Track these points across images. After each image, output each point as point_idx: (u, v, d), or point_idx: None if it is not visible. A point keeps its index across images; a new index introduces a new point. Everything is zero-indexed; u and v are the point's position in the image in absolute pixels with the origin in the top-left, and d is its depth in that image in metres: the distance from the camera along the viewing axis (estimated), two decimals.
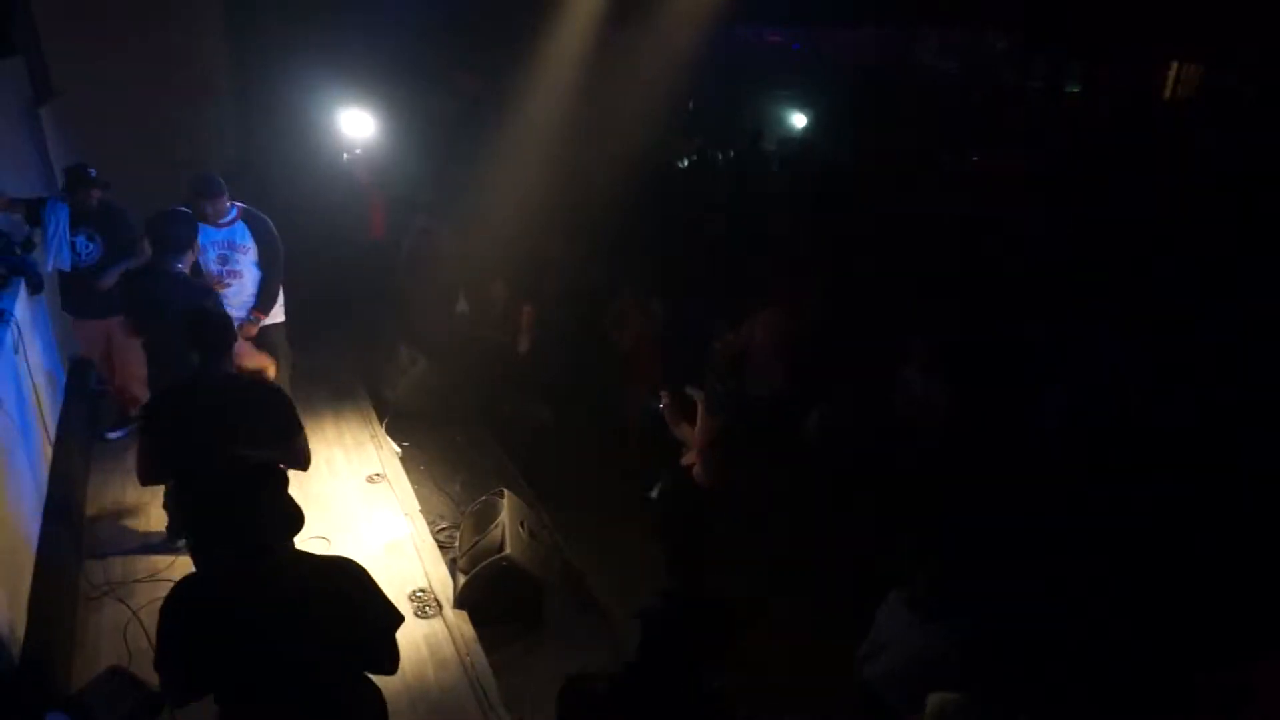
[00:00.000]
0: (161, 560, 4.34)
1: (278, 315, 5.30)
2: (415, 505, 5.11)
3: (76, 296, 5.31)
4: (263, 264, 5.07)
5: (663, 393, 4.87)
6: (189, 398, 3.39)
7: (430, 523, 5.06)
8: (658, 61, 9.66)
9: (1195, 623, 4.47)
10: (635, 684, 2.27)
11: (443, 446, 6.14)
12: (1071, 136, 9.79)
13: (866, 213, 9.25)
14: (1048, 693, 3.87)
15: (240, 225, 5.00)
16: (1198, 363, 5.59)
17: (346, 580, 2.38)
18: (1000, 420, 6.61)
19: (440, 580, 4.49)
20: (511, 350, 6.24)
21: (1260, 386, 5.58)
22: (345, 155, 8.48)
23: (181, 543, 4.30)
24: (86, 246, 5.12)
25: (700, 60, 9.85)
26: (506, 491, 4.81)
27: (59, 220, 5.00)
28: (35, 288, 4.99)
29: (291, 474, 2.54)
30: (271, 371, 4.71)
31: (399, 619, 2.46)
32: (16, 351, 4.44)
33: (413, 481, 5.41)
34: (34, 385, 4.75)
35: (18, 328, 4.45)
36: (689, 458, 4.41)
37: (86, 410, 5.78)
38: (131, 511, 4.80)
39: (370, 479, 5.30)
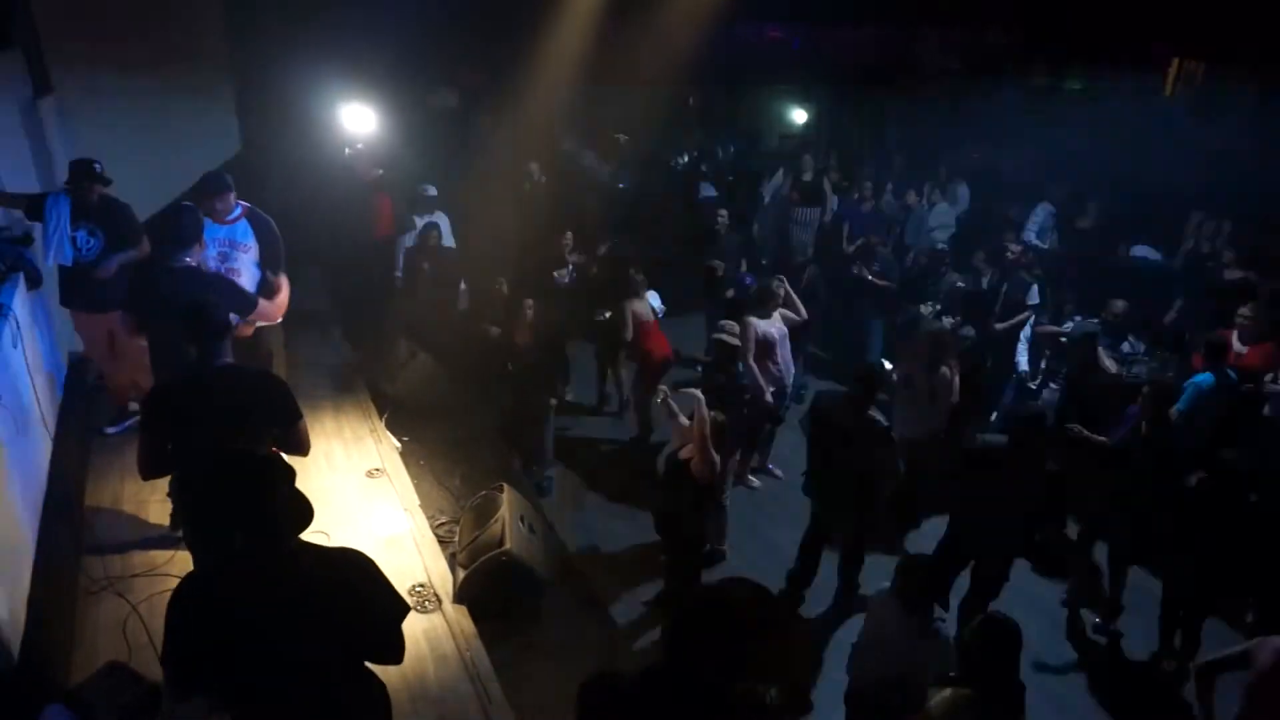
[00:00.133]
0: (161, 555, 4.33)
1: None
2: (415, 500, 5.10)
3: (76, 291, 5.31)
4: (263, 264, 5.05)
5: (661, 388, 4.89)
6: (188, 391, 3.39)
7: (430, 517, 5.06)
8: (658, 59, 9.65)
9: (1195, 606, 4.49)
10: (662, 684, 2.25)
11: (442, 441, 6.14)
12: (1071, 134, 9.79)
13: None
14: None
15: (244, 224, 4.98)
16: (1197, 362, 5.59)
17: (353, 571, 2.38)
18: (1003, 419, 6.62)
19: (440, 575, 4.49)
20: (512, 345, 6.20)
21: (1260, 384, 5.59)
22: (347, 150, 8.48)
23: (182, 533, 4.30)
24: (88, 242, 5.11)
25: (700, 57, 9.84)
26: (506, 486, 4.81)
27: (60, 215, 4.99)
28: (34, 283, 4.99)
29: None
30: (284, 295, 4.81)
31: (406, 609, 2.47)
32: (15, 346, 4.44)
33: (412, 476, 5.40)
34: (33, 380, 4.74)
35: (16, 323, 4.45)
36: (686, 451, 4.41)
37: (85, 405, 5.77)
38: (130, 506, 4.79)
39: (370, 473, 5.29)
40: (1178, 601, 4.52)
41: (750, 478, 6.15)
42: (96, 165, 5.09)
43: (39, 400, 4.82)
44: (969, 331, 7.06)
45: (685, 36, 9.57)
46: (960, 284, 7.48)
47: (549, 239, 7.28)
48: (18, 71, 5.84)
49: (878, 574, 4.12)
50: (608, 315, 6.59)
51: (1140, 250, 8.38)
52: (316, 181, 7.99)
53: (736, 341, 5.35)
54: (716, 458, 4.33)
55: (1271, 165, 7.52)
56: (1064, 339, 6.55)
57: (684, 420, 4.55)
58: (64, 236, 5.01)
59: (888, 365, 6.74)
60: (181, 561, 4.15)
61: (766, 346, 5.75)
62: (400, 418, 6.15)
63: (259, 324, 5.07)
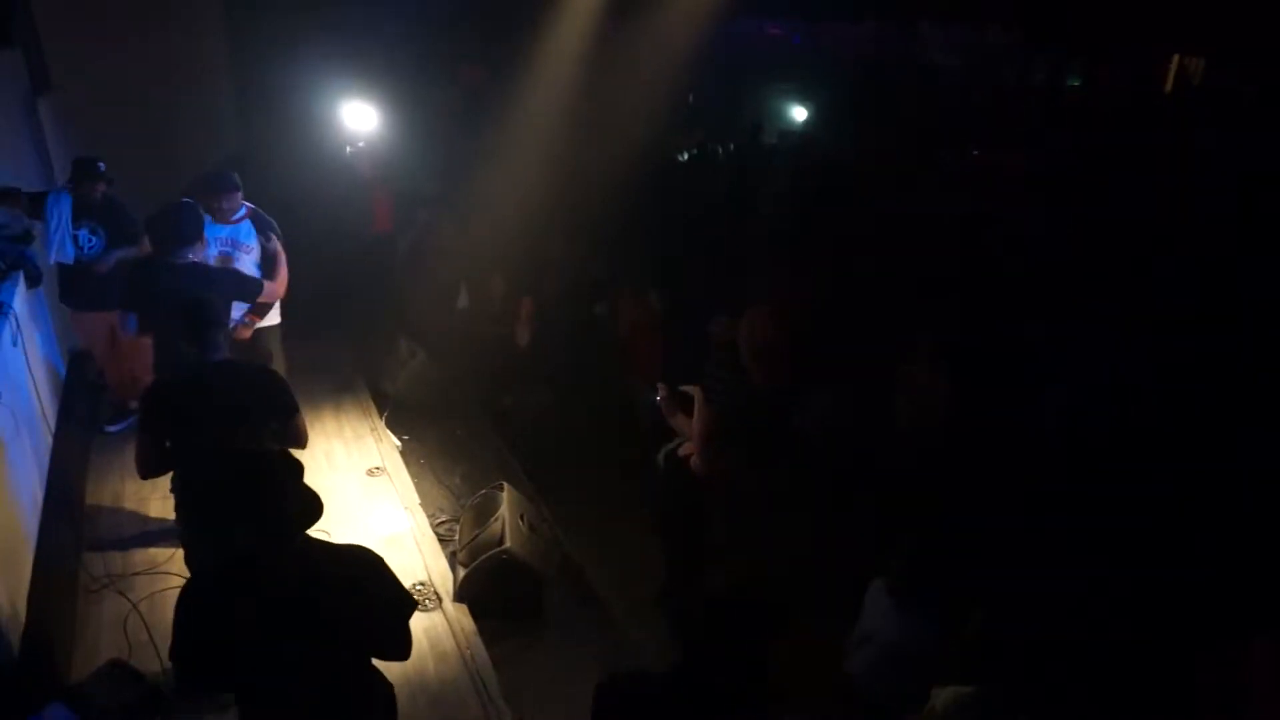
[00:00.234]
0: (162, 553, 4.33)
1: (273, 318, 5.28)
2: (415, 498, 5.11)
3: (77, 289, 5.31)
4: (264, 266, 5.04)
5: (660, 385, 4.87)
6: (186, 388, 3.39)
7: (430, 516, 5.06)
8: (658, 55, 9.64)
9: (1192, 607, 4.49)
10: (681, 686, 2.25)
11: (443, 440, 6.14)
12: (1072, 133, 9.79)
13: (866, 209, 9.24)
14: (1048, 686, 3.88)
15: (247, 225, 4.97)
16: (1198, 362, 5.59)
17: (361, 568, 2.39)
18: (1002, 418, 6.61)
19: (440, 573, 4.50)
20: (511, 343, 6.24)
21: (1261, 385, 5.58)
22: (348, 149, 8.46)
23: None
24: (89, 240, 5.12)
25: (700, 54, 9.83)
26: (506, 485, 4.82)
27: (62, 213, 5.00)
28: (34, 281, 4.99)
29: None
30: (284, 271, 4.84)
31: (413, 605, 2.49)
32: (15, 344, 4.44)
33: (412, 475, 5.41)
34: (33, 378, 4.75)
35: (16, 321, 4.45)
36: (686, 449, 4.41)
37: (86, 403, 5.78)
38: (131, 504, 4.80)
39: (370, 472, 5.30)
40: None
41: None
42: (99, 164, 5.10)
43: (39, 398, 4.83)
44: None
45: (685, 33, 9.56)
46: None
47: (568, 244, 7.27)
48: (17, 69, 5.84)
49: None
50: (602, 306, 6.58)
51: None
52: (316, 179, 7.98)
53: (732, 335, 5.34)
54: (716, 454, 4.32)
55: None
56: None
57: (682, 418, 4.54)
58: (66, 235, 5.02)
59: None
60: (183, 560, 4.15)
61: None
62: (400, 416, 6.15)
63: (257, 326, 5.07)
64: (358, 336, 7.14)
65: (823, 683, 4.29)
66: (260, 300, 4.68)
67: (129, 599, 4.03)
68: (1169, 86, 11.07)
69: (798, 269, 7.32)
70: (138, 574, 4.22)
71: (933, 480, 5.49)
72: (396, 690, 2.65)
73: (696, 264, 7.42)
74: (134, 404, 5.29)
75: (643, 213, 9.36)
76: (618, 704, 2.33)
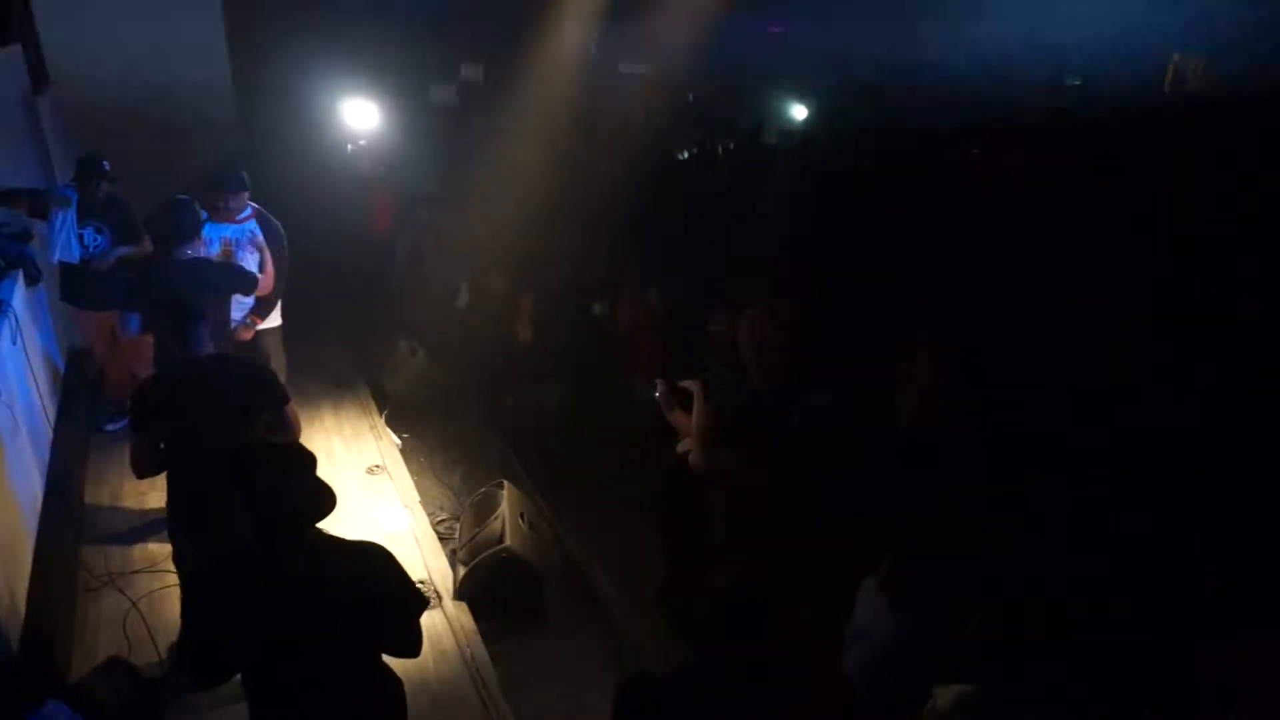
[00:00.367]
0: (161, 551, 4.32)
1: (274, 319, 5.28)
2: (415, 497, 5.11)
3: (79, 288, 5.30)
4: (267, 266, 5.03)
5: (658, 381, 4.85)
6: (175, 384, 3.39)
7: (430, 514, 5.06)
8: (659, 53, 9.64)
9: (1192, 607, 4.48)
10: (703, 687, 2.25)
11: (443, 438, 6.14)
12: (1072, 131, 9.76)
13: (866, 207, 9.23)
14: (1049, 685, 3.88)
15: (252, 224, 4.97)
16: (1198, 362, 5.58)
17: (370, 562, 2.39)
18: (1002, 417, 6.60)
19: (440, 572, 4.50)
20: (512, 342, 6.23)
21: (1261, 385, 5.57)
22: (349, 147, 8.46)
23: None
24: (94, 239, 5.10)
25: (701, 51, 9.83)
26: (506, 483, 4.82)
27: (66, 212, 4.98)
28: (33, 279, 4.99)
29: None
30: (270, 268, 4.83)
31: (424, 603, 2.50)
32: (15, 342, 4.44)
33: (412, 473, 5.41)
34: (33, 376, 4.74)
35: (16, 319, 4.45)
36: (684, 445, 4.40)
37: (85, 401, 5.78)
38: (130, 502, 4.80)
39: (370, 470, 5.30)
40: None
41: None
42: (103, 163, 5.08)
43: (39, 396, 4.82)
44: None
45: (686, 32, 9.56)
46: None
47: (569, 242, 7.25)
48: (16, 67, 5.83)
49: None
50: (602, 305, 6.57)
51: None
52: (317, 178, 7.98)
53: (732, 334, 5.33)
54: (715, 452, 4.32)
55: None
56: None
57: (681, 414, 4.52)
58: (71, 234, 5.00)
59: None
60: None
61: None
62: (400, 415, 6.15)
63: (259, 327, 5.07)
64: (357, 335, 7.14)
65: (821, 682, 4.30)
66: (253, 294, 4.67)
67: (128, 597, 4.03)
68: (1167, 86, 11.06)
69: (797, 268, 7.31)
70: (137, 572, 4.23)
71: (931, 479, 5.49)
72: None
73: (696, 262, 7.41)
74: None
75: (643, 211, 9.35)
76: (638, 708, 2.32)
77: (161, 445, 3.37)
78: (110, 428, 5.49)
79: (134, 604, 3.99)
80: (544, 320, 6.07)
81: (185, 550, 3.54)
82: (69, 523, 4.50)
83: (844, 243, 8.73)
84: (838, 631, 4.15)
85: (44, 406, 4.97)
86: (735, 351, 5.41)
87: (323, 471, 2.42)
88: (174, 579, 4.06)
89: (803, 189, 9.40)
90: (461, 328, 6.97)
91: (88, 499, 4.86)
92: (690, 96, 13.37)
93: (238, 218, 4.92)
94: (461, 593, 4.35)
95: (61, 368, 5.93)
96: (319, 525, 2.36)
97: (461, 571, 4.41)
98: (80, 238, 5.06)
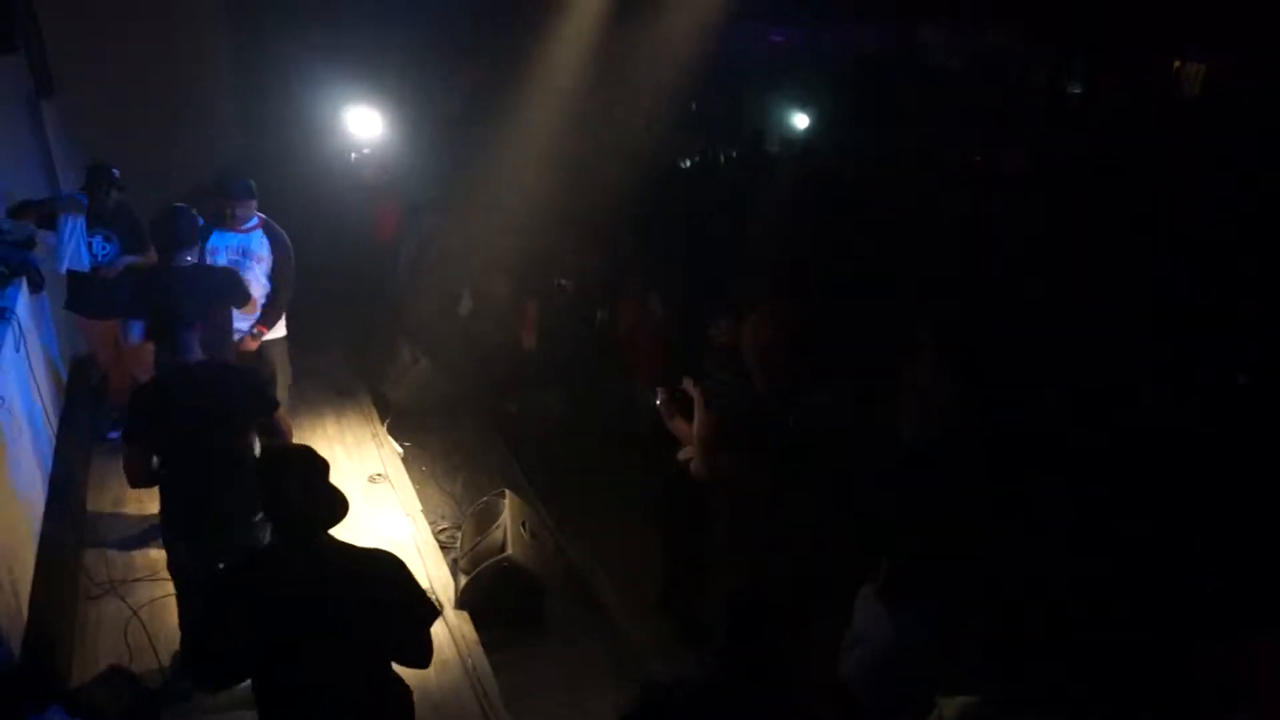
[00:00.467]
0: (162, 558, 4.28)
1: (279, 330, 5.27)
2: (417, 505, 5.11)
3: (85, 296, 5.29)
4: (274, 277, 5.01)
5: (660, 389, 4.85)
6: (162, 392, 3.40)
7: (432, 523, 5.06)
8: (661, 60, 9.65)
9: (1193, 605, 4.46)
10: (706, 692, 2.25)
11: (445, 446, 6.13)
12: (1073, 135, 9.77)
13: (867, 210, 9.22)
14: (1050, 689, 3.87)
15: (259, 234, 4.95)
16: (1198, 362, 5.57)
17: (383, 569, 2.40)
18: (1004, 419, 6.58)
19: (442, 581, 4.49)
20: (515, 348, 6.23)
21: (1262, 385, 5.56)
22: (353, 155, 8.46)
23: None
24: (103, 247, 5.10)
25: (703, 59, 9.84)
26: (508, 492, 4.81)
27: (76, 222, 4.98)
28: (36, 286, 4.99)
29: None
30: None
31: (435, 613, 2.51)
32: (18, 350, 4.45)
33: (414, 481, 5.40)
34: (35, 383, 4.75)
35: (19, 326, 4.46)
36: (686, 453, 4.39)
37: (88, 408, 5.78)
38: (132, 509, 4.79)
39: (372, 479, 5.29)
40: None
41: None
42: (114, 171, 5.09)
43: (42, 403, 4.83)
44: None
45: (687, 39, 9.56)
46: None
47: (572, 248, 7.24)
48: (20, 74, 5.85)
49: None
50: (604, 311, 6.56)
51: None
52: (320, 185, 7.99)
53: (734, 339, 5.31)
54: (716, 458, 4.31)
55: None
56: None
57: (682, 422, 4.52)
58: (80, 242, 4.99)
59: None
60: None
61: None
62: (402, 423, 6.15)
63: (264, 338, 5.06)
64: (360, 343, 7.14)
65: (822, 684, 4.28)
66: (244, 307, 4.66)
67: (129, 605, 4.03)
68: (1171, 91, 11.07)
69: (798, 270, 7.30)
70: (138, 579, 4.23)
71: (931, 481, 5.47)
72: None
73: (697, 267, 7.40)
74: None
75: (644, 217, 9.35)
76: (642, 715, 2.32)
77: (153, 452, 3.38)
78: (113, 435, 5.49)
79: (135, 612, 3.98)
80: (547, 327, 6.07)
81: (181, 558, 3.55)
82: (71, 528, 4.51)
83: (845, 245, 8.73)
84: (838, 634, 4.14)
85: (47, 413, 4.97)
86: (737, 356, 5.40)
87: None
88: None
89: (804, 195, 9.40)
90: (464, 335, 6.97)
91: (90, 505, 4.86)
92: (693, 105, 13.40)
93: (244, 227, 4.90)
94: (463, 602, 4.34)
95: (65, 375, 5.94)
96: (330, 532, 2.36)
97: (463, 580, 4.40)
98: (89, 246, 5.06)
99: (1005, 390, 6.85)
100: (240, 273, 4.85)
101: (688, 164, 11.57)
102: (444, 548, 4.81)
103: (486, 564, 4.34)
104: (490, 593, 4.34)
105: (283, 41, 8.15)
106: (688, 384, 4.44)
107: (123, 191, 5.14)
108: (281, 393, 5.25)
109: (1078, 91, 11.66)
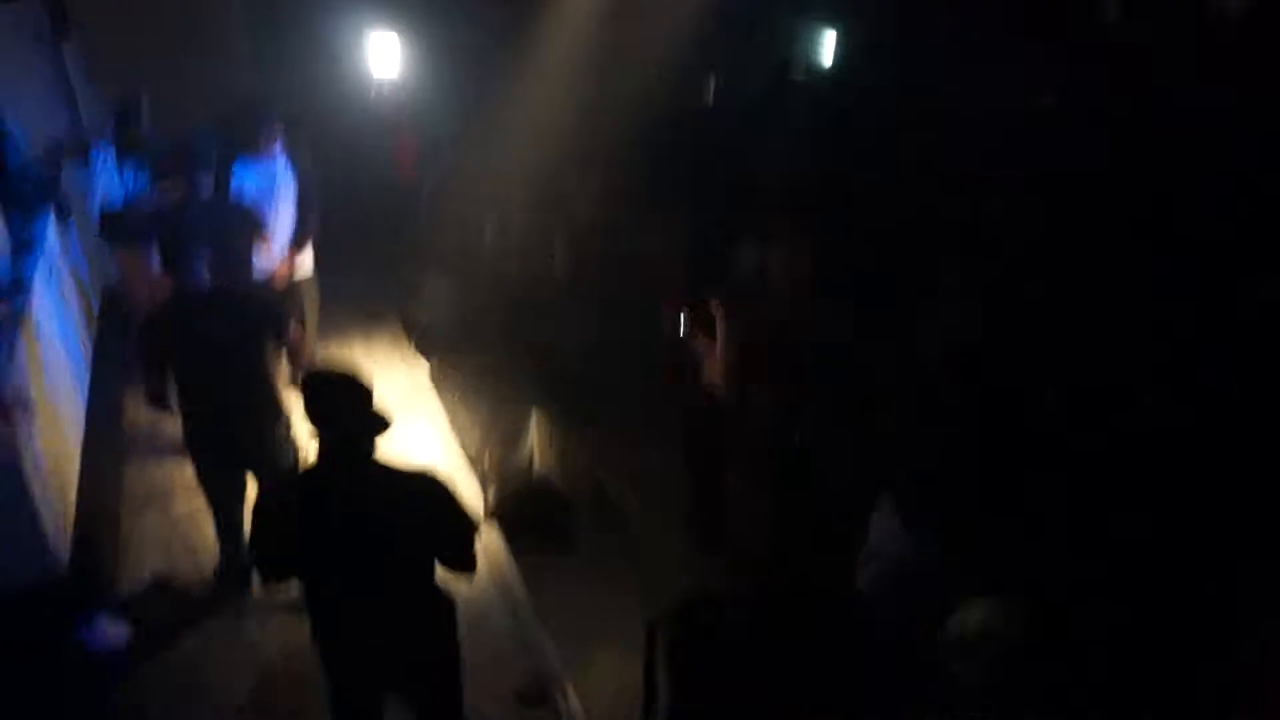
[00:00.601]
0: None
1: (306, 268, 5.27)
2: (445, 424, 5.17)
3: (116, 226, 5.31)
4: (300, 203, 5.02)
5: (683, 308, 4.81)
6: (170, 320, 3.48)
7: (460, 441, 5.12)
8: None
9: (1193, 609, 4.44)
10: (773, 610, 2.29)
11: (473, 367, 6.13)
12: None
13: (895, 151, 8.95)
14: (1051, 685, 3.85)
15: (283, 161, 4.95)
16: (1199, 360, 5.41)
17: (430, 486, 2.48)
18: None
19: (471, 498, 4.57)
20: (542, 274, 6.20)
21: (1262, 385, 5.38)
22: (372, 91, 8.39)
23: None
24: (134, 179, 5.10)
25: None
26: (536, 410, 4.84)
27: (106, 160, 5.00)
28: (65, 213, 5.04)
29: None
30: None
31: (476, 527, 2.59)
32: (50, 277, 4.52)
33: (442, 401, 5.45)
34: (68, 307, 4.83)
35: (50, 255, 4.52)
36: (709, 373, 4.38)
37: (121, 335, 5.87)
38: (169, 426, 4.88)
39: (400, 399, 5.36)
40: None
41: None
42: (142, 100, 5.08)
43: (76, 329, 4.92)
44: None
45: None
46: None
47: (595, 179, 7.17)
48: (39, 16, 5.87)
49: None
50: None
51: None
52: (340, 118, 7.95)
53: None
54: (739, 377, 4.29)
55: None
56: None
57: (706, 341, 4.48)
58: (112, 178, 5.01)
59: None
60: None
61: None
62: (430, 344, 6.18)
63: (296, 278, 5.08)
64: (387, 267, 7.14)
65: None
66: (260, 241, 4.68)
67: (170, 515, 4.14)
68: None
69: (823, 196, 7.17)
70: (178, 491, 4.33)
71: (952, 407, 5.41)
72: None
73: (722, 190, 7.29)
74: None
75: (668, 149, 9.21)
76: (696, 627, 2.36)
77: (167, 372, 3.48)
78: None
79: (176, 522, 4.10)
80: (573, 252, 6.04)
81: (208, 476, 3.67)
82: (111, 443, 4.62)
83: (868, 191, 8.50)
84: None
85: (81, 337, 5.06)
86: (762, 280, 5.35)
87: None
88: None
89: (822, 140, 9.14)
90: (489, 263, 6.96)
91: (127, 425, 4.97)
92: (714, 35, 13.04)
93: (269, 155, 4.88)
94: (492, 517, 4.42)
95: (96, 303, 6.03)
96: (374, 451, 2.43)
97: (492, 497, 4.47)
98: (120, 176, 5.07)
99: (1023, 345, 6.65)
100: (263, 203, 4.88)
101: (711, 90, 11.27)
102: (473, 464, 4.87)
103: (515, 480, 4.41)
104: (518, 509, 4.42)
105: None
106: (713, 303, 4.40)
107: (154, 122, 5.14)
108: (311, 318, 5.31)
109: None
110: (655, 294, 6.31)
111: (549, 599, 4.10)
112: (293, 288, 5.12)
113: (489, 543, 4.26)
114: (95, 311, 5.99)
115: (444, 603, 2.68)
